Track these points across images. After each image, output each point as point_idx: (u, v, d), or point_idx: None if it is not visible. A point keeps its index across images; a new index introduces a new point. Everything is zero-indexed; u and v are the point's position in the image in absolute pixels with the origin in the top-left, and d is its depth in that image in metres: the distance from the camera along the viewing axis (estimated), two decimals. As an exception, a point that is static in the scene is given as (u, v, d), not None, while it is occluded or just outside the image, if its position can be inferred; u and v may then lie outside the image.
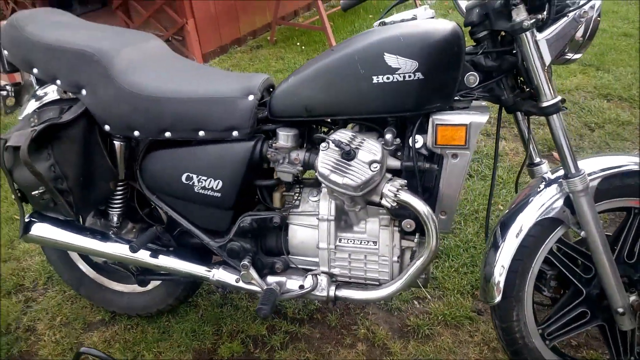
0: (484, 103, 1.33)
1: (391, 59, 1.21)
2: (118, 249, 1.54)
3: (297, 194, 1.50)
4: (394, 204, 1.28)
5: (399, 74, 1.21)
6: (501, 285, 1.35)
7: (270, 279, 1.49)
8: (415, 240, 1.40)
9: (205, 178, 1.43)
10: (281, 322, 1.84)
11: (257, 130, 1.41)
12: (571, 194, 1.28)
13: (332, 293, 1.45)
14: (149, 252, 1.55)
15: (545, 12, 1.20)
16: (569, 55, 1.27)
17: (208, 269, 1.54)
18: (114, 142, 1.48)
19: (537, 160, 1.46)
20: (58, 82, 1.44)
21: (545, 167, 1.45)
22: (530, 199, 1.36)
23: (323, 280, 1.45)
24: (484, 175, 2.50)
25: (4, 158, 1.42)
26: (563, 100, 1.25)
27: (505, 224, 1.38)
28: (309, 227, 1.47)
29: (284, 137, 1.39)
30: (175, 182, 1.45)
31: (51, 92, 1.55)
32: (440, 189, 1.34)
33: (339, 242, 1.44)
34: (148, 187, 1.52)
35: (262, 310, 1.36)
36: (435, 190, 1.35)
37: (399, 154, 1.35)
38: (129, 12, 4.40)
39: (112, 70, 1.38)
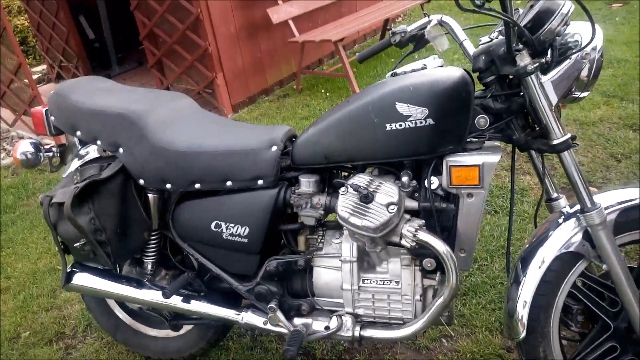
0: (497, 143, 1.38)
1: (402, 107, 1.29)
2: (152, 296, 1.62)
3: (320, 237, 1.57)
4: (414, 244, 1.33)
5: (410, 121, 1.29)
6: (525, 320, 1.36)
7: (297, 320, 1.54)
8: (437, 278, 1.43)
9: (233, 225, 1.51)
10: (311, 364, 1.87)
11: (281, 178, 1.50)
12: (589, 227, 1.30)
13: (357, 333, 1.48)
14: (181, 298, 1.62)
15: (548, 56, 1.27)
16: (576, 94, 1.31)
17: (237, 313, 1.60)
18: (148, 194, 1.59)
19: (555, 195, 1.49)
20: (98, 142, 1.57)
21: (563, 202, 1.48)
22: (550, 234, 1.38)
23: (348, 320, 1.49)
24: (509, 211, 2.50)
25: (49, 213, 1.53)
26: (573, 137, 1.29)
27: (525, 259, 1.40)
28: (332, 269, 1.52)
29: (306, 183, 1.47)
30: (205, 230, 1.54)
31: (92, 151, 1.68)
32: (458, 228, 1.38)
33: (362, 282, 1.48)
34: (179, 235, 1.61)
35: (289, 351, 1.40)
36: (453, 229, 1.39)
37: (416, 195, 1.41)
38: (163, 70, 4.67)
39: (146, 130, 1.50)
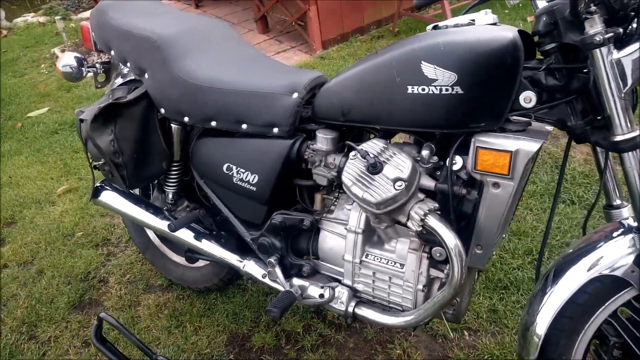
0: (548, 127, 1.13)
1: (428, 69, 1.08)
2: (161, 225, 1.63)
3: (334, 199, 1.44)
4: (420, 229, 1.16)
5: (435, 86, 1.08)
6: (540, 340, 1.16)
7: (295, 281, 1.46)
8: (446, 271, 1.25)
9: (243, 170, 1.44)
10: (318, 323, 1.80)
11: (299, 129, 1.38)
12: (643, 252, 1.04)
13: (350, 309, 1.37)
14: (191, 233, 1.61)
15: (631, 26, 0.97)
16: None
17: (240, 259, 1.56)
18: (172, 124, 1.56)
19: (617, 202, 1.21)
20: (128, 64, 1.55)
21: (625, 212, 1.19)
22: (597, 247, 1.14)
23: (344, 293, 1.38)
24: (588, 203, 2.15)
25: (81, 128, 1.56)
26: (645, 135, 1.01)
27: (560, 269, 1.17)
28: (338, 236, 1.40)
29: (322, 139, 1.33)
30: (217, 171, 1.48)
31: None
32: (478, 220, 1.17)
33: (365, 257, 1.35)
34: (197, 171, 1.57)
35: (272, 312, 1.33)
36: (473, 220, 1.19)
37: (438, 173, 1.21)
38: (260, -3, 4.58)
39: (169, 56, 1.44)
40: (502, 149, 1.07)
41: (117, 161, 1.51)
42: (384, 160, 1.17)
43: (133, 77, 1.65)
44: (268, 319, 1.84)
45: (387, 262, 1.32)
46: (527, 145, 1.06)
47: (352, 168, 1.20)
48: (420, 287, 1.28)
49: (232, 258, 1.57)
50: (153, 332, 1.83)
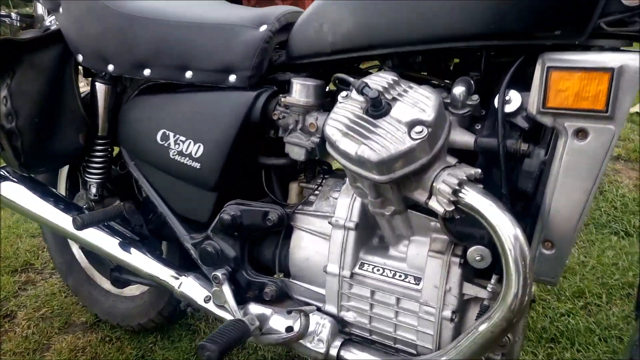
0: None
1: None
2: (64, 221, 1.14)
3: (318, 186, 0.98)
4: (451, 209, 0.69)
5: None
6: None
7: (253, 308, 0.97)
8: (489, 286, 0.77)
9: (183, 139, 0.99)
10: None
11: (268, 79, 0.95)
12: None
13: (334, 350, 0.87)
14: (113, 240, 1.13)
15: None
16: None
17: (177, 276, 1.07)
18: (96, 83, 1.12)
19: None
20: (41, -2, 1.14)
21: None
22: None
23: (325, 326, 0.89)
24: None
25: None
26: None
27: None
28: (320, 237, 0.93)
29: (300, 88, 0.90)
30: (150, 142, 1.03)
31: (58, 23, 1.27)
32: (546, 198, 0.72)
33: (360, 267, 0.87)
34: (125, 148, 1.13)
35: (205, 350, 0.82)
36: (538, 198, 0.73)
37: (478, 126, 0.77)
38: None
39: (91, -22, 1.04)
40: (593, 66, 0.64)
41: (8, 127, 1.06)
42: (393, 97, 0.73)
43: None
44: (222, 372, 1.31)
45: (394, 274, 0.85)
46: (636, 60, 0.62)
47: (342, 112, 0.75)
48: (447, 313, 0.79)
49: (164, 273, 1.08)
50: (56, 388, 1.29)
